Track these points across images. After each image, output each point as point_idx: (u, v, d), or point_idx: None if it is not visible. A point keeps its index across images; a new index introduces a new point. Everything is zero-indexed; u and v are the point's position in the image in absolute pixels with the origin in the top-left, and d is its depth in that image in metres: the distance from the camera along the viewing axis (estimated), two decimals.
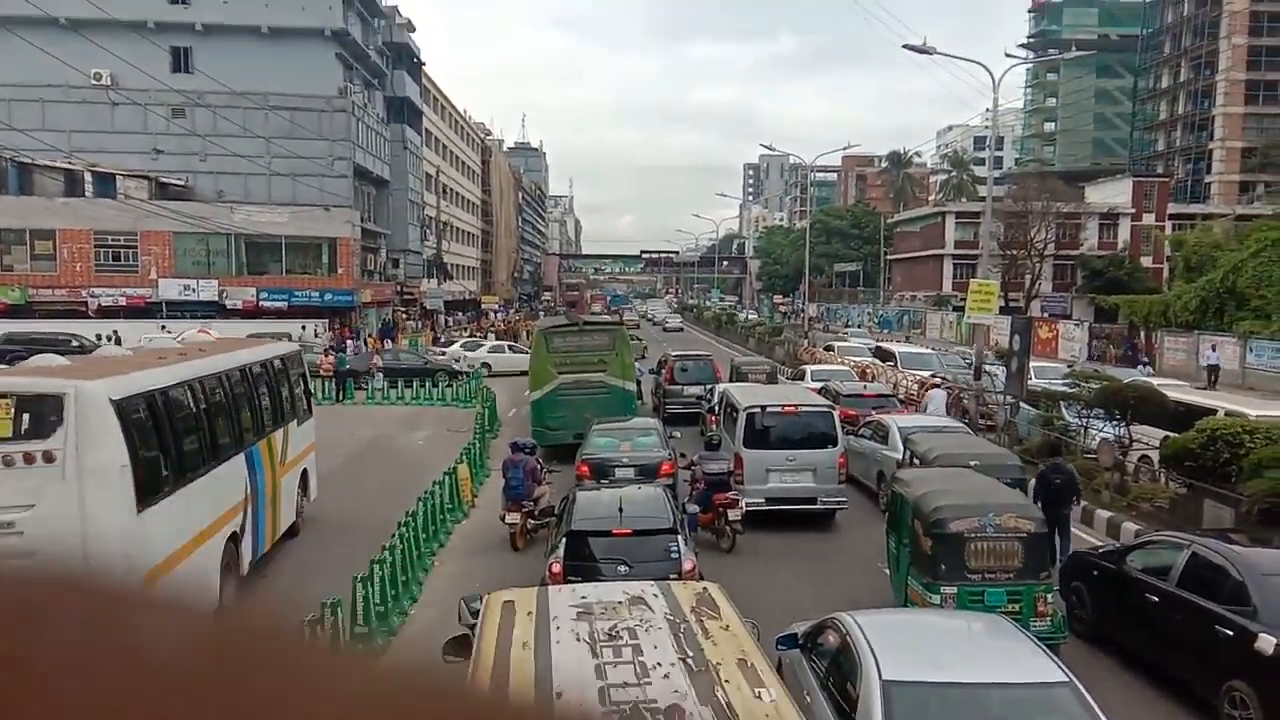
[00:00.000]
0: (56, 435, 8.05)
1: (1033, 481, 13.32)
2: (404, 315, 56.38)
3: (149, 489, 8.74)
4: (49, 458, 8.00)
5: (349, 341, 40.10)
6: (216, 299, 43.78)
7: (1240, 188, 70.12)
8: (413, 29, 64.84)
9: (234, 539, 11.16)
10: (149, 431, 9.08)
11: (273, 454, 13.16)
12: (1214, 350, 33.20)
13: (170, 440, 9.60)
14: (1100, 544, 13.08)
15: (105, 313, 41.78)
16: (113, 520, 8.19)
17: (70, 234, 43.22)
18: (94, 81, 43.98)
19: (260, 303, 44.16)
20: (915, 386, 26.22)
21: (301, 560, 13.52)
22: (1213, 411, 16.22)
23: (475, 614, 6.01)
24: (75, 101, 44.76)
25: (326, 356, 31.88)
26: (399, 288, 58.47)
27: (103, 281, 43.47)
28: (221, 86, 42.73)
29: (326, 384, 30.00)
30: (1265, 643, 7.81)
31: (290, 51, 46.82)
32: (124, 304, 42.87)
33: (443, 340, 48.36)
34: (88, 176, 43.77)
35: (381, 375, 32.28)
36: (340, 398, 30.03)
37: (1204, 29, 70.06)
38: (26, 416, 8.11)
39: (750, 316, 69.77)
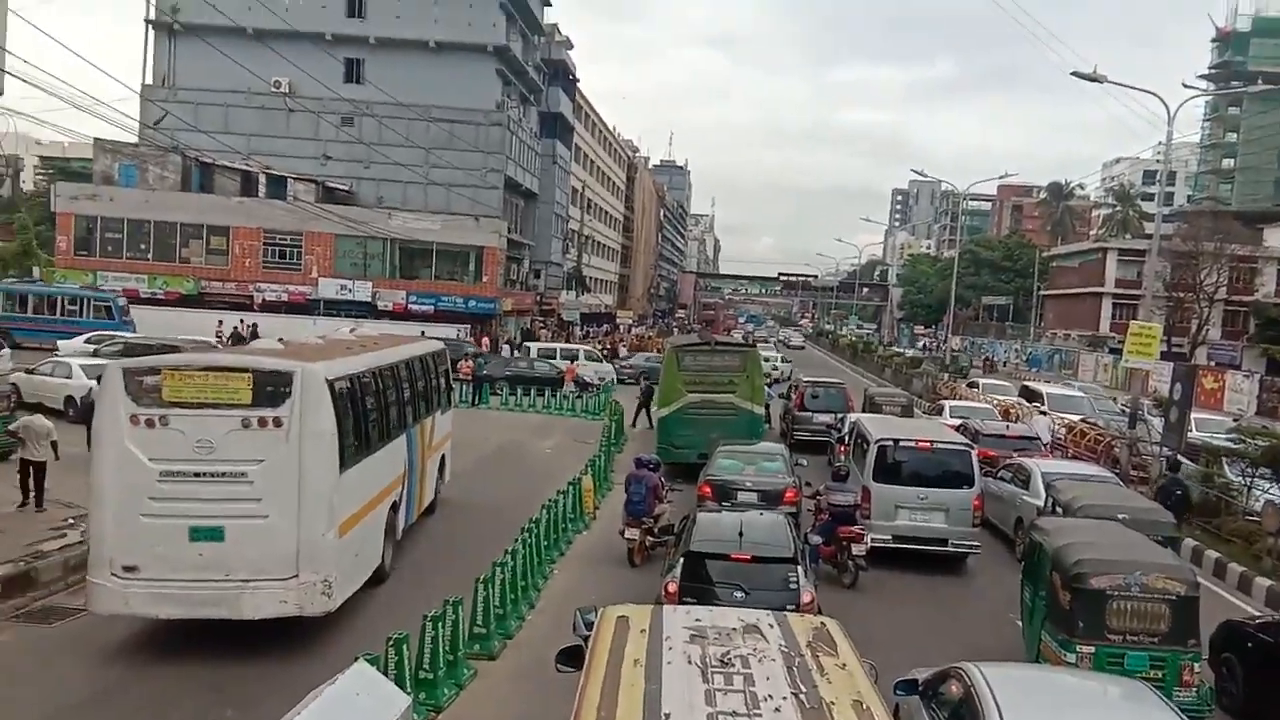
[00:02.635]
0: (285, 405, 9.56)
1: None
2: (541, 325, 57.68)
3: (346, 455, 10.26)
4: (278, 423, 9.52)
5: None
6: (369, 300, 45.92)
7: None
8: (570, 46, 66.55)
9: (394, 507, 12.74)
10: (347, 407, 10.59)
11: (424, 437, 14.81)
12: None
13: (361, 416, 11.20)
14: (1258, 614, 12.11)
15: (268, 307, 44.49)
16: (324, 477, 9.76)
17: (243, 231, 46.23)
18: (273, 89, 47.04)
19: (409, 305, 46.07)
20: (1064, 431, 25.06)
21: (437, 538, 14.92)
22: None
23: (589, 626, 6.04)
24: (255, 107, 47.92)
25: (466, 361, 32.94)
26: (538, 297, 59.91)
27: (268, 277, 46.28)
28: (388, 97, 44.97)
29: (464, 387, 31.00)
30: None
31: (454, 65, 48.84)
32: (286, 300, 45.50)
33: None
34: (262, 178, 46.82)
35: (574, 384, 34.11)
36: (476, 402, 30.94)
37: None
38: (261, 389, 9.59)
39: (905, 351, 67.28)
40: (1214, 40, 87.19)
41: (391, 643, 8.00)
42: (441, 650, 8.88)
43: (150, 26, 48.93)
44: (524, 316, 56.06)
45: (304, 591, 9.55)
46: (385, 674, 7.38)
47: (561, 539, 14.54)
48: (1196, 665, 8.81)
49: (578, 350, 41.73)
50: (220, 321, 39.23)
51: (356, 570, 10.85)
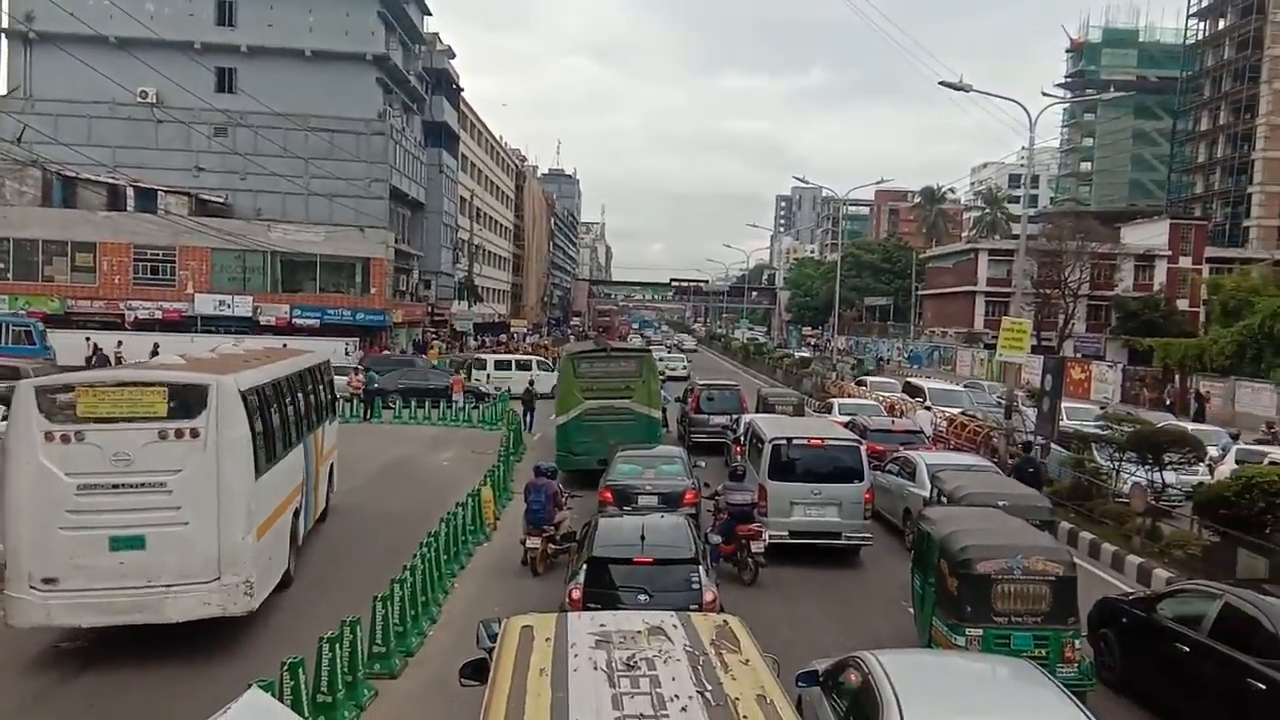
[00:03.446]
0: (201, 416, 9.97)
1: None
2: (433, 336, 56.78)
3: (259, 462, 10.80)
4: (194, 433, 9.94)
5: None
6: (250, 315, 44.34)
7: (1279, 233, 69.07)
8: (452, 55, 65.75)
9: (296, 514, 13.11)
10: (258, 417, 11.08)
11: (318, 446, 15.21)
12: None
13: (269, 425, 11.66)
14: (1130, 590, 12.84)
15: (141, 325, 42.46)
16: (241, 483, 10.25)
17: (111, 247, 44.03)
18: (140, 99, 44.96)
19: (293, 320, 44.66)
20: (945, 424, 26.05)
21: (335, 545, 15.17)
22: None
23: (493, 638, 5.96)
24: (121, 118, 45.80)
25: (356, 375, 32.11)
26: (430, 309, 58.94)
27: (140, 294, 44.20)
28: (264, 107, 43.54)
29: (355, 403, 30.22)
30: None
31: (332, 75, 47.68)
32: (160, 317, 43.53)
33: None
34: (130, 191, 44.64)
35: (462, 396, 33.32)
36: (368, 416, 30.21)
37: (1244, 73, 69.31)
38: (176, 402, 9.97)
39: (797, 351, 68.80)
40: (1068, 51, 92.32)
41: (286, 667, 7.73)
42: (340, 671, 8.62)
43: (3, 35, 46.21)
44: (415, 328, 55.06)
45: (226, 593, 9.97)
46: (281, 699, 7.13)
47: (462, 551, 14.31)
48: (1077, 642, 9.24)
49: (531, 360, 41.25)
50: (120, 342, 37.88)
51: (271, 572, 11.29)
